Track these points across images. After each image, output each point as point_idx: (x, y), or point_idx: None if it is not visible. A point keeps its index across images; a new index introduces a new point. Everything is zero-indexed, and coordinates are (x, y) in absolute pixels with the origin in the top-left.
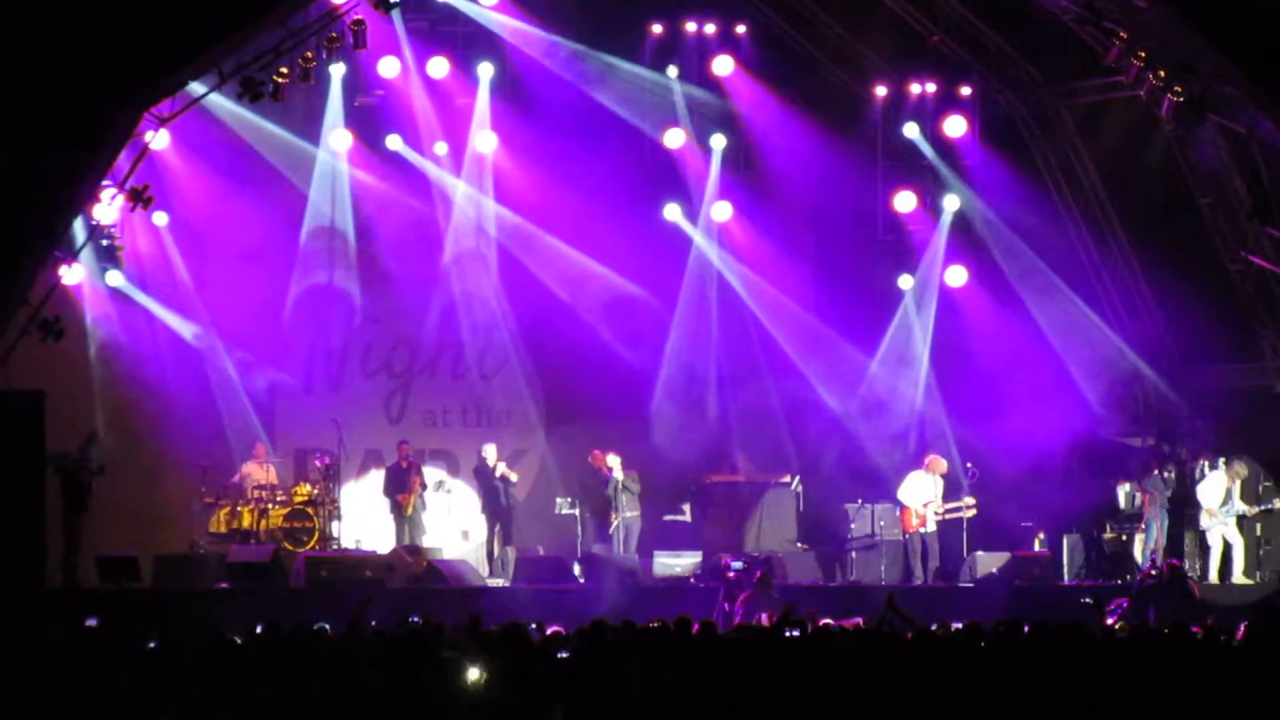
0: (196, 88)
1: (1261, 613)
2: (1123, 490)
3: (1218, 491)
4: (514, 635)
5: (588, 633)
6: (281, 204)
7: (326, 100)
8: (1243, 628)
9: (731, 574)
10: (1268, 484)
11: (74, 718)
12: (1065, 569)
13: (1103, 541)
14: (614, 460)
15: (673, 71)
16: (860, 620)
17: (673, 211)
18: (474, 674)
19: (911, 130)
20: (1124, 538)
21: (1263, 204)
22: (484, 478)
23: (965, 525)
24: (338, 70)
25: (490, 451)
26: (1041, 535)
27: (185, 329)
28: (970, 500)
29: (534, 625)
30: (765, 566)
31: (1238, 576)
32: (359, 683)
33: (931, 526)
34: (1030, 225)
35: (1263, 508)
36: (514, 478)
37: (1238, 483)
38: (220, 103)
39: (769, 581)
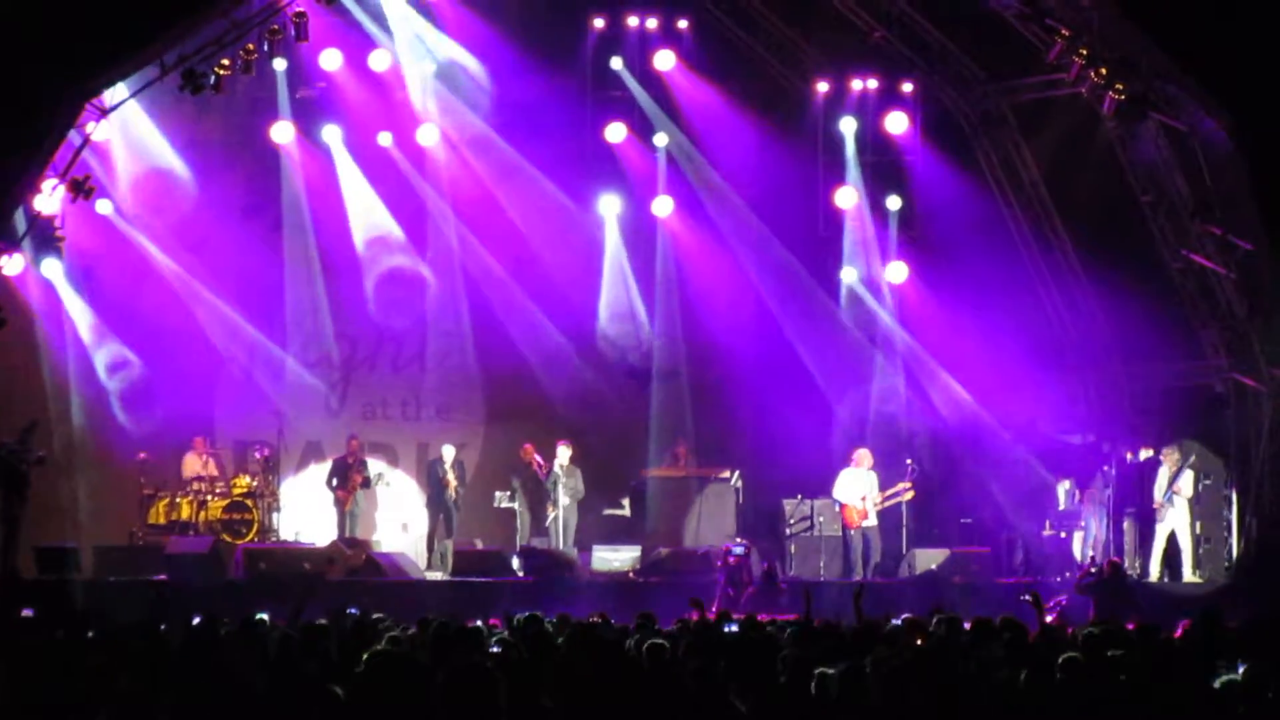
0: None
1: (1199, 615)
2: (1062, 488)
3: (1161, 484)
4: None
5: (525, 627)
6: (226, 194)
7: (265, 93)
8: (1180, 628)
9: (732, 559)
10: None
11: (10, 710)
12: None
13: (1042, 539)
14: (563, 452)
15: (617, 63)
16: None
17: (609, 206)
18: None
19: (848, 126)
20: (1063, 535)
21: (1204, 202)
22: (433, 472)
23: (905, 520)
24: (282, 63)
25: (449, 452)
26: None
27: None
28: (906, 484)
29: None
30: (770, 560)
31: (1188, 575)
32: (300, 674)
33: (873, 520)
34: (971, 222)
35: (1200, 482)
36: (452, 478)
37: (1189, 473)
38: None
39: (775, 575)
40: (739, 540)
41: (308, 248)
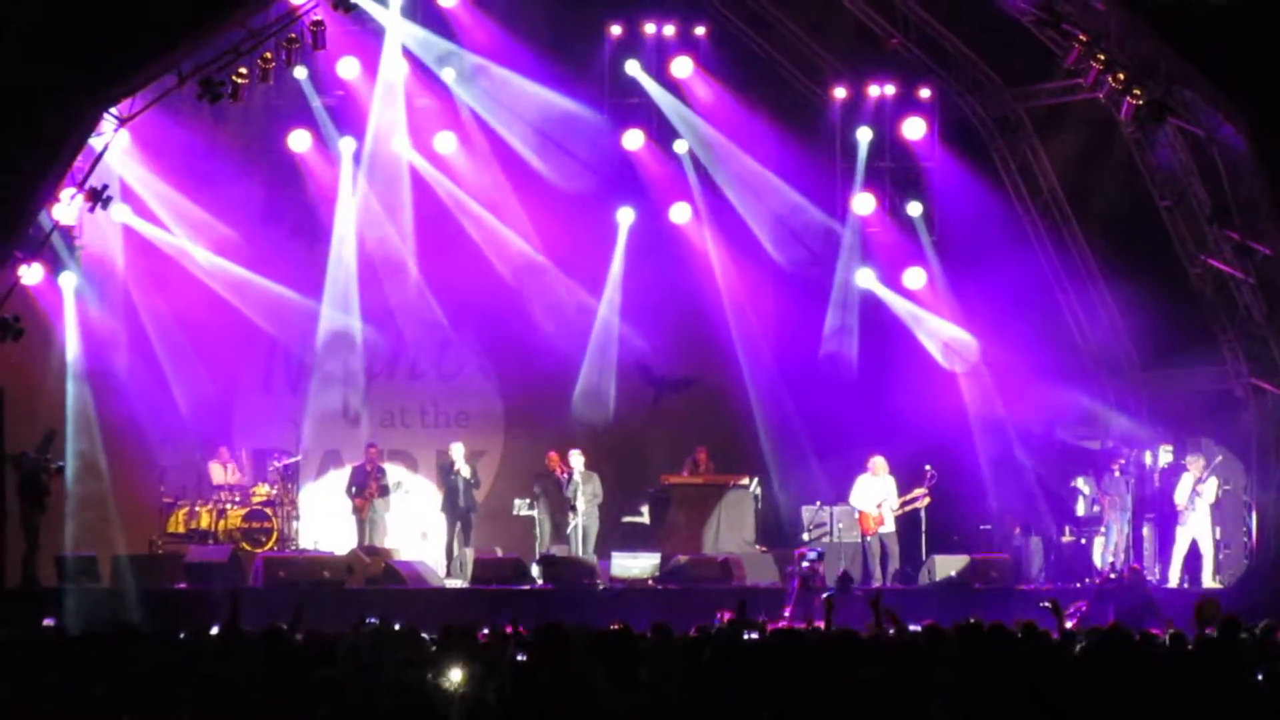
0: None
1: (1221, 621)
2: (1082, 494)
3: (1185, 490)
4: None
5: (546, 636)
6: (244, 202)
7: (283, 101)
8: (1200, 633)
9: (806, 564)
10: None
11: (31, 717)
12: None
13: (1061, 544)
14: (576, 458)
15: (634, 67)
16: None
17: (625, 216)
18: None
19: (863, 135)
20: (1083, 541)
21: (1222, 207)
22: (445, 476)
23: (924, 526)
24: (303, 71)
25: (457, 451)
26: (1018, 530)
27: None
28: (922, 490)
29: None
30: (844, 568)
31: (1208, 581)
32: (319, 683)
33: (890, 526)
34: (989, 227)
35: (1221, 487)
36: (466, 472)
37: (1213, 479)
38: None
39: (849, 582)
40: (813, 546)
41: (325, 255)
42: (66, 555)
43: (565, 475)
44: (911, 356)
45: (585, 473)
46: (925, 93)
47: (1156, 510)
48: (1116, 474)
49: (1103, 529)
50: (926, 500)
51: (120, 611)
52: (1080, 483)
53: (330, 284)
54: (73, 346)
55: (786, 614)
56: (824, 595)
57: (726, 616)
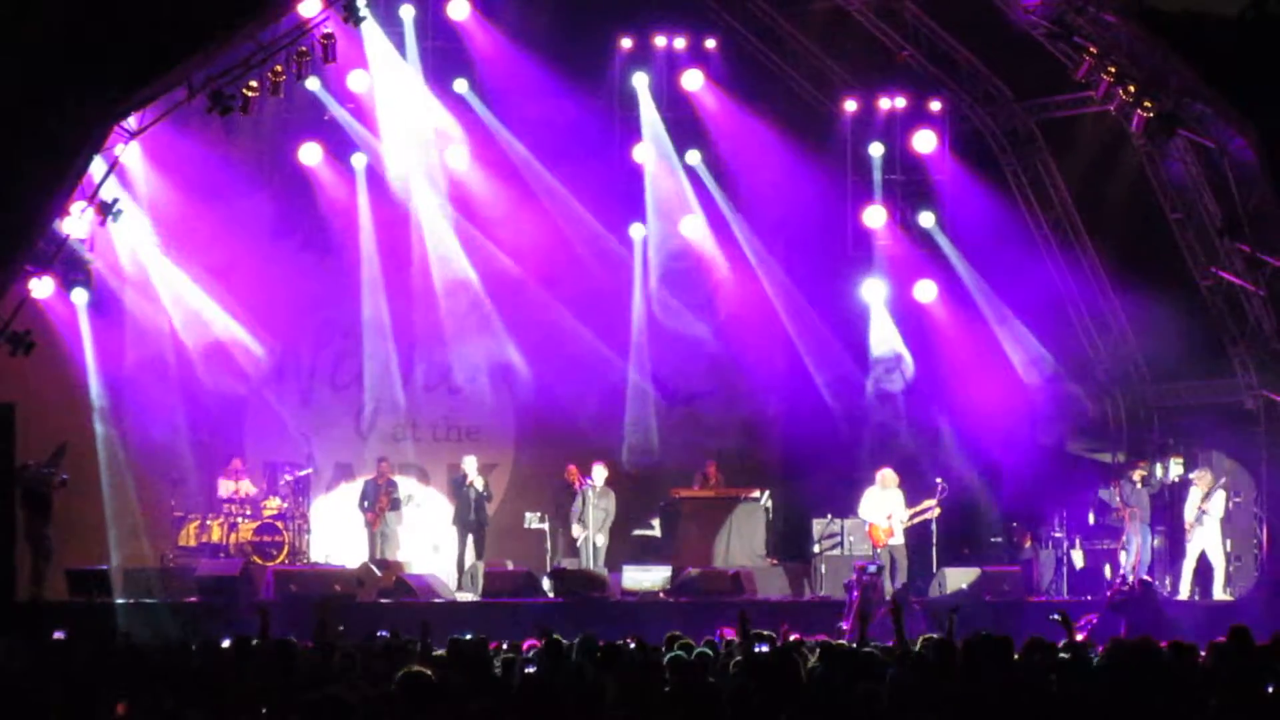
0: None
1: (1231, 632)
2: (1107, 501)
3: (1191, 506)
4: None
5: (554, 649)
6: (255, 215)
7: (294, 114)
8: (1212, 645)
9: (865, 578)
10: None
11: None
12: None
13: (1073, 556)
14: (599, 472)
15: (642, 80)
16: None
17: (638, 230)
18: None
19: (875, 150)
20: (1101, 548)
21: (1233, 220)
22: (457, 489)
23: (935, 538)
24: (315, 81)
25: (470, 464)
26: (1029, 542)
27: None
28: (932, 502)
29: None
30: (906, 581)
31: (1219, 593)
32: (329, 696)
33: (899, 538)
34: (1000, 240)
35: (1230, 500)
36: (479, 484)
37: (1220, 493)
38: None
39: (908, 595)
40: (872, 560)
41: (338, 268)
42: (81, 569)
43: (582, 488)
44: (921, 368)
45: (602, 488)
46: (936, 105)
47: (1167, 523)
48: (1139, 485)
49: (1123, 543)
50: (937, 512)
51: (131, 625)
52: (1103, 494)
53: (366, 312)
54: (86, 360)
55: (844, 627)
56: (883, 609)
57: (729, 634)
